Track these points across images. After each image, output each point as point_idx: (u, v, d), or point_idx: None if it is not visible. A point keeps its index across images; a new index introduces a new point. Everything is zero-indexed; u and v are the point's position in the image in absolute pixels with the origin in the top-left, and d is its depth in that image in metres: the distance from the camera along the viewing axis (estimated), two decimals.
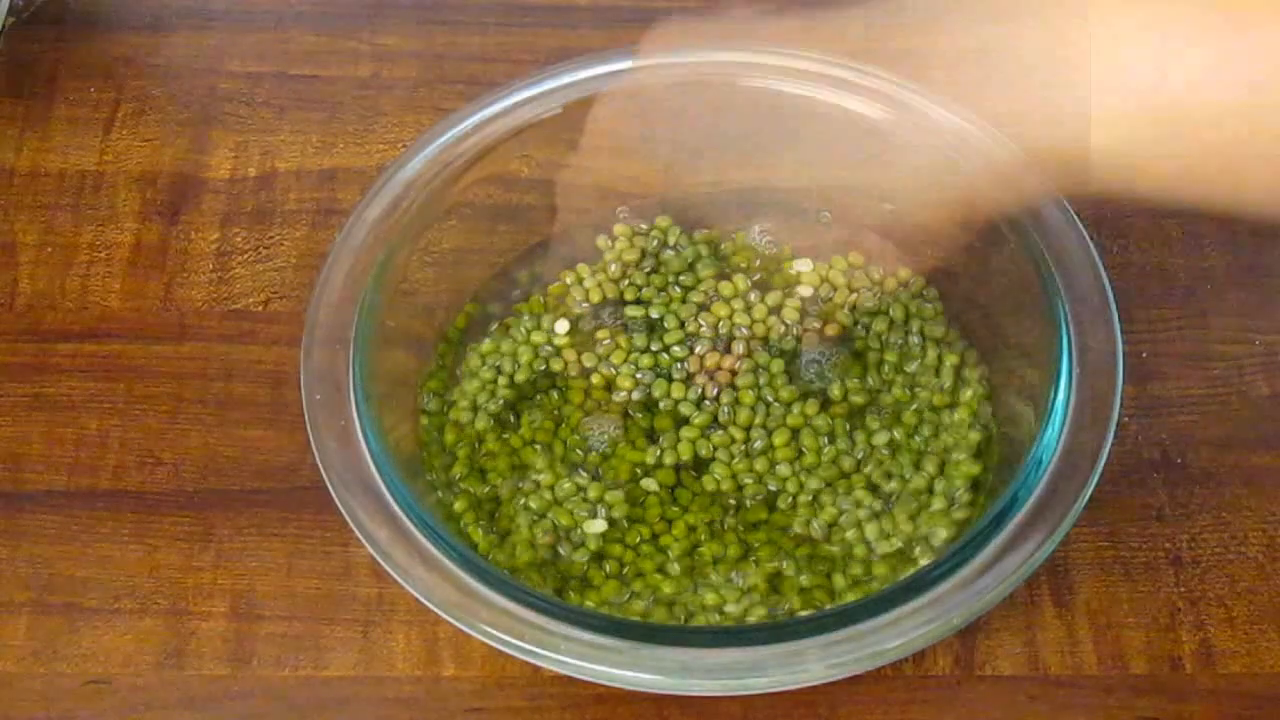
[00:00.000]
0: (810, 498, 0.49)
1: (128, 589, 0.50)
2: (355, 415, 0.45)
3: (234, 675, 0.48)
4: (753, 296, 0.53)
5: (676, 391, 0.51)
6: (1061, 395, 0.45)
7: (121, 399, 0.54)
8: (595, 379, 0.52)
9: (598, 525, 0.48)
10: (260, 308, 0.56)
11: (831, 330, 0.52)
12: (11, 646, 0.49)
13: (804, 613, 0.46)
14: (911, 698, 0.48)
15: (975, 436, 0.50)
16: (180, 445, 0.53)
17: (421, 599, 0.43)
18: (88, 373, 0.55)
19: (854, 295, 0.53)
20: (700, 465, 0.50)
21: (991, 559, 0.42)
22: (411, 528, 0.43)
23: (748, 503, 0.49)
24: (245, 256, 0.58)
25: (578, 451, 0.50)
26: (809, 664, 0.41)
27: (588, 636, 0.41)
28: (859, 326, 0.52)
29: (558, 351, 0.52)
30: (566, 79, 0.51)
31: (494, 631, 0.42)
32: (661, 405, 0.51)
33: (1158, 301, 0.53)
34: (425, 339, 0.52)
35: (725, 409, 0.51)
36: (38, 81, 0.63)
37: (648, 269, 0.54)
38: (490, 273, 0.54)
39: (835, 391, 0.51)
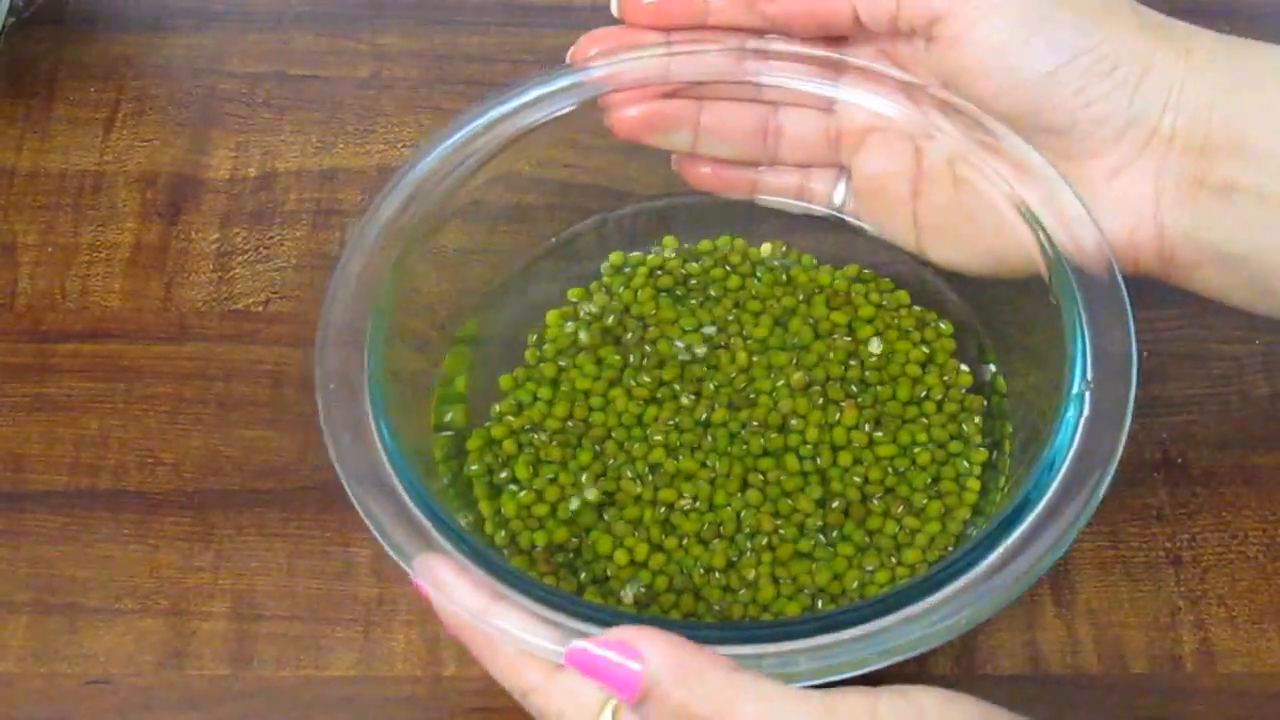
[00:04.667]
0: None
1: (128, 589, 0.50)
2: (370, 412, 0.45)
3: (234, 675, 0.48)
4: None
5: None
6: (1075, 397, 0.44)
7: (121, 399, 0.54)
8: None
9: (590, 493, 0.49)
10: (261, 308, 0.56)
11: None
12: (11, 646, 0.49)
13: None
14: None
15: (981, 455, 0.50)
16: (180, 445, 0.53)
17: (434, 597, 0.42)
18: (88, 373, 0.55)
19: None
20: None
21: (1001, 561, 0.41)
22: (427, 524, 0.42)
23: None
24: (245, 256, 0.58)
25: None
26: (809, 664, 0.40)
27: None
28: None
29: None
30: (577, 78, 0.51)
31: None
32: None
33: (1158, 301, 0.53)
34: (433, 339, 0.52)
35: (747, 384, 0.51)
36: (38, 81, 0.63)
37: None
38: (498, 275, 0.54)
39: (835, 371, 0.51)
